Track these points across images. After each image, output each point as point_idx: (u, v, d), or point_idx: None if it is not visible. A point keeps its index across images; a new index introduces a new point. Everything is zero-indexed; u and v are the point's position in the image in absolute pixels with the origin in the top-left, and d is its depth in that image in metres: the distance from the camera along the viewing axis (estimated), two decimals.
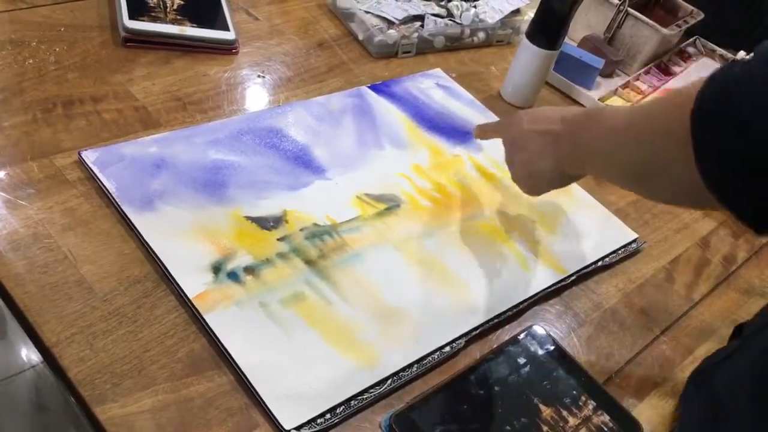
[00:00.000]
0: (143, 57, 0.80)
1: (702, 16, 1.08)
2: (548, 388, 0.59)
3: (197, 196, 0.65)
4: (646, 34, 1.02)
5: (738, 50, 1.15)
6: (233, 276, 0.59)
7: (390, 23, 0.94)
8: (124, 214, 0.62)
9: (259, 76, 0.84)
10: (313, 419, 0.52)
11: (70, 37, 0.79)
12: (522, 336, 0.63)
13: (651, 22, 1.01)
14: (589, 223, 0.78)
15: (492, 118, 0.88)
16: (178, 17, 0.83)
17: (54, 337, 0.52)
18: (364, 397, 0.55)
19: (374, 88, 0.86)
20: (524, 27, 1.03)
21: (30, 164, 0.64)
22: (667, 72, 1.07)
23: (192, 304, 0.56)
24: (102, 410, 0.49)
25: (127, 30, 0.79)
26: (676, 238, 0.82)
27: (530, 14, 1.03)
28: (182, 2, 0.86)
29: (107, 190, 0.63)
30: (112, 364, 0.52)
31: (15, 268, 0.56)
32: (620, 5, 1.02)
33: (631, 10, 1.02)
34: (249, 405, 0.53)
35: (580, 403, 0.59)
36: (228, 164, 0.69)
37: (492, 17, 1.02)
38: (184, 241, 0.61)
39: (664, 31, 1.01)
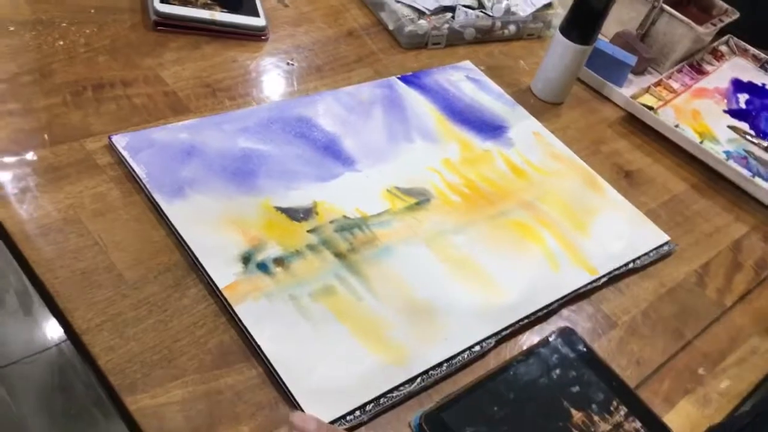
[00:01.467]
0: (173, 41, 0.79)
1: (737, 15, 1.06)
2: (579, 391, 0.58)
3: (227, 185, 0.64)
4: (680, 32, 1.00)
5: None
6: (263, 267, 0.59)
7: (421, 13, 0.93)
8: (154, 200, 0.61)
9: (288, 63, 0.83)
10: (343, 416, 0.52)
11: (101, 19, 0.78)
12: (553, 337, 0.62)
13: (685, 19, 0.99)
14: (621, 223, 0.77)
15: (521, 112, 0.87)
16: (209, 2, 0.82)
17: (84, 324, 0.52)
18: (394, 395, 0.54)
19: (404, 79, 0.85)
20: (556, 21, 1.02)
21: (60, 147, 0.64)
22: (699, 71, 1.05)
23: (222, 294, 0.56)
24: (132, 400, 0.49)
25: (158, 14, 0.78)
26: (708, 242, 0.80)
27: (561, 9, 1.02)
28: None
29: (137, 176, 0.62)
30: (142, 353, 0.52)
31: (45, 253, 0.55)
32: (654, 1, 1.00)
33: (665, 7, 1.00)
34: (278, 399, 0.52)
35: (612, 408, 0.58)
36: (258, 153, 0.68)
37: (524, 10, 1.00)
38: (213, 230, 0.60)
39: (699, 29, 0.99)
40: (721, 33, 1.09)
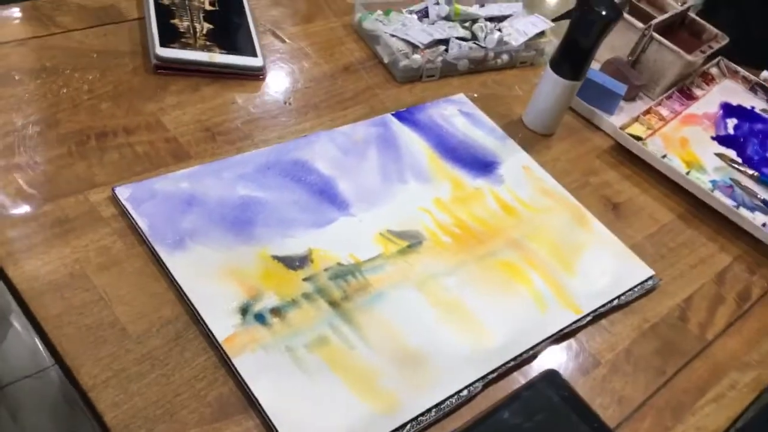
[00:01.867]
0: (173, 84, 0.82)
1: (726, 40, 1.08)
2: None
3: (226, 235, 0.67)
4: (669, 60, 1.03)
5: (761, 70, 1.16)
6: (260, 318, 0.62)
7: (415, 47, 0.95)
8: (156, 253, 0.64)
9: (286, 103, 0.85)
10: None
11: (103, 64, 0.81)
12: (536, 381, 0.65)
13: (675, 48, 1.01)
14: (607, 259, 0.79)
15: (512, 146, 0.90)
16: (208, 43, 0.85)
17: (90, 380, 0.55)
18: None
19: (398, 115, 0.87)
20: (548, 49, 1.04)
21: (66, 200, 0.66)
22: (689, 96, 1.07)
23: (221, 347, 0.59)
24: None
25: (158, 58, 0.81)
26: (692, 274, 0.83)
27: (554, 38, 1.04)
28: (212, 26, 0.88)
29: (140, 228, 0.65)
30: (146, 408, 0.55)
31: (53, 309, 0.58)
32: (645, 30, 1.02)
33: (655, 35, 1.02)
34: None
35: None
36: (255, 200, 0.71)
37: (516, 39, 1.02)
38: (213, 281, 0.63)
39: (688, 57, 1.01)
40: (714, 55, 1.11)
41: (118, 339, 0.58)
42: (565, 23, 0.87)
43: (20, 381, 1.39)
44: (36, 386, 1.38)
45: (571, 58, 0.88)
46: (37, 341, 1.42)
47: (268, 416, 0.56)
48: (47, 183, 0.67)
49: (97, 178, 0.69)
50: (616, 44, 1.07)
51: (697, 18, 1.12)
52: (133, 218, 0.66)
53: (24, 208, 0.64)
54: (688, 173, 0.92)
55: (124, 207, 0.66)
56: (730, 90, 1.12)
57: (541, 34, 1.05)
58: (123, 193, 0.67)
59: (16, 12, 0.83)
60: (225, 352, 0.59)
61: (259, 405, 0.56)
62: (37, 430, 1.32)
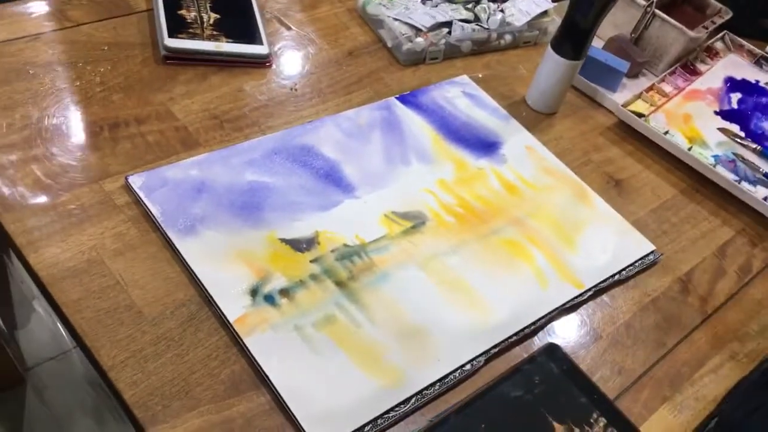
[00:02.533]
0: (182, 74, 0.84)
1: (730, 14, 1.09)
2: (562, 405, 0.64)
3: (235, 220, 0.70)
4: (672, 36, 1.03)
5: (767, 43, 1.16)
6: (269, 299, 0.64)
7: (418, 30, 0.97)
8: (169, 238, 0.67)
9: (292, 89, 0.87)
10: None
11: (114, 56, 0.83)
12: (537, 354, 0.67)
13: (678, 24, 1.02)
14: (608, 235, 0.81)
15: (515, 126, 0.91)
16: (215, 32, 0.87)
17: (109, 361, 0.58)
18: (390, 415, 0.60)
19: (402, 98, 0.89)
20: (551, 28, 1.05)
21: (82, 190, 0.69)
22: (693, 71, 1.08)
23: (233, 327, 0.62)
24: (155, 431, 0.55)
25: (167, 49, 0.83)
26: (693, 248, 0.84)
27: (557, 17, 1.05)
28: (218, 16, 0.90)
29: (152, 215, 0.68)
30: (162, 386, 0.58)
31: (72, 294, 0.61)
32: (647, 6, 1.03)
33: (657, 12, 1.03)
34: (285, 425, 0.58)
35: (592, 420, 0.63)
36: (263, 186, 0.73)
37: (519, 20, 1.03)
38: (223, 264, 0.66)
39: (691, 33, 1.02)
40: (719, 28, 1.12)
41: (135, 321, 0.61)
42: (567, 2, 0.88)
43: (44, 363, 1.43)
44: (59, 368, 1.43)
45: (571, 38, 0.89)
46: (59, 325, 1.46)
47: (278, 392, 0.59)
48: (63, 173, 0.70)
49: (110, 168, 0.72)
50: (618, 22, 1.07)
51: None
52: (146, 205, 0.68)
53: (42, 198, 0.67)
54: (690, 149, 0.93)
55: (137, 195, 0.69)
56: (735, 64, 1.12)
57: (544, 13, 1.06)
58: (136, 181, 0.70)
59: (29, 8, 0.86)
60: (236, 332, 0.61)
61: (270, 382, 0.59)
62: (63, 409, 1.37)
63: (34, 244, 0.64)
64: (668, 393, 0.70)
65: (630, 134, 0.96)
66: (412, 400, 0.62)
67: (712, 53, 1.13)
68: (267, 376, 0.59)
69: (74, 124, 0.75)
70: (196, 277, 0.64)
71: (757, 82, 1.10)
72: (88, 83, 0.79)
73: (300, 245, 0.70)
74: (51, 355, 1.44)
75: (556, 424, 0.62)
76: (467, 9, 1.02)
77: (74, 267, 0.63)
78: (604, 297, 0.76)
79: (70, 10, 0.87)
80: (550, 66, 0.91)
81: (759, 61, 1.13)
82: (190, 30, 0.86)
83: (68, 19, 0.86)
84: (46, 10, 0.86)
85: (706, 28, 1.06)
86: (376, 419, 0.59)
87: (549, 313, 0.71)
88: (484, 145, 0.87)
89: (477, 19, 1.02)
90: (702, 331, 0.76)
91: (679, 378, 0.71)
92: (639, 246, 0.81)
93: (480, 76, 0.98)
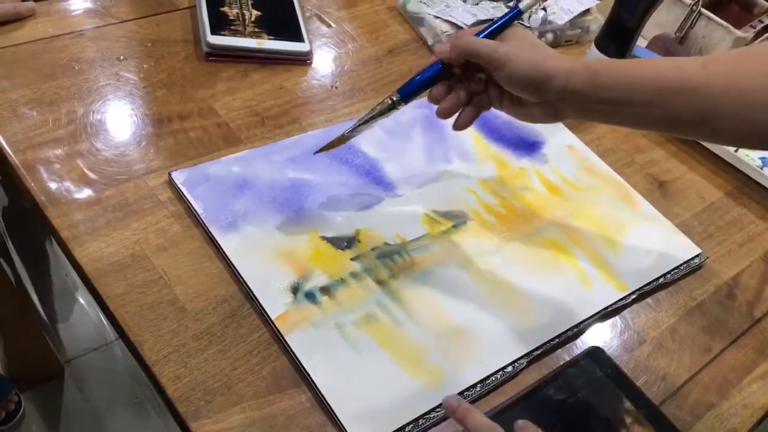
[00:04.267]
0: (224, 71, 0.84)
1: None
2: (606, 410, 0.63)
3: (276, 217, 0.69)
4: (719, 35, 1.01)
5: None
6: (310, 297, 0.64)
7: (459, 28, 0.96)
8: (211, 234, 0.67)
9: (332, 87, 0.87)
10: None
11: (157, 53, 0.84)
12: (581, 357, 0.66)
13: (724, 23, 1.00)
14: (652, 237, 0.79)
15: (557, 126, 0.90)
16: (257, 29, 0.87)
17: (153, 355, 0.58)
18: (431, 416, 0.59)
19: None
20: (594, 27, 1.04)
21: (126, 185, 0.70)
22: None
23: (274, 324, 0.62)
24: (197, 426, 0.55)
25: (209, 45, 0.84)
26: (740, 252, 0.83)
27: (600, 15, 1.03)
28: (260, 13, 0.90)
29: (195, 210, 0.68)
30: (205, 381, 0.58)
31: (116, 288, 0.62)
32: (693, 5, 1.01)
33: (704, 10, 1.01)
34: (326, 422, 0.58)
35: (637, 427, 0.62)
36: (305, 183, 0.73)
37: (561, 18, 1.02)
38: (265, 261, 0.66)
39: (738, 32, 0.99)
40: (766, 27, 1.09)
41: (178, 316, 0.61)
42: (611, 0, 0.87)
43: (86, 354, 1.45)
44: (101, 360, 1.44)
45: (616, 36, 0.88)
46: (102, 316, 1.48)
47: (319, 390, 0.58)
48: (108, 168, 0.71)
49: (154, 164, 0.72)
50: (663, 21, 1.05)
51: None
52: (188, 201, 0.69)
53: (87, 193, 0.68)
54: (736, 150, 0.91)
55: (180, 191, 0.69)
56: None
57: (587, 12, 1.04)
58: (179, 177, 0.70)
59: (73, 4, 0.87)
60: (278, 329, 0.61)
61: (311, 379, 0.59)
62: (103, 402, 1.39)
63: (78, 238, 0.64)
64: (715, 400, 0.68)
65: (674, 135, 0.94)
66: None
67: None
68: (308, 374, 0.59)
69: (118, 120, 0.75)
70: (238, 273, 0.64)
71: None
72: (132, 79, 0.80)
73: (341, 243, 0.69)
74: (93, 346, 1.46)
75: (600, 430, 0.61)
76: (508, 7, 1.01)
77: (118, 261, 0.64)
78: (649, 300, 0.75)
79: (113, 7, 0.88)
80: None
81: None
82: (233, 27, 0.86)
83: (112, 16, 0.87)
84: (90, 7, 0.87)
85: (754, 27, 1.03)
86: (417, 419, 0.59)
87: (592, 315, 0.70)
88: (526, 145, 0.86)
89: None
90: (749, 336, 0.75)
91: (726, 385, 0.70)
92: (684, 249, 0.80)
93: None
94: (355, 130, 0.66)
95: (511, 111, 0.64)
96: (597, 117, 0.62)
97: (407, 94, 0.64)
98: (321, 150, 0.68)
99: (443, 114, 0.64)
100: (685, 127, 0.58)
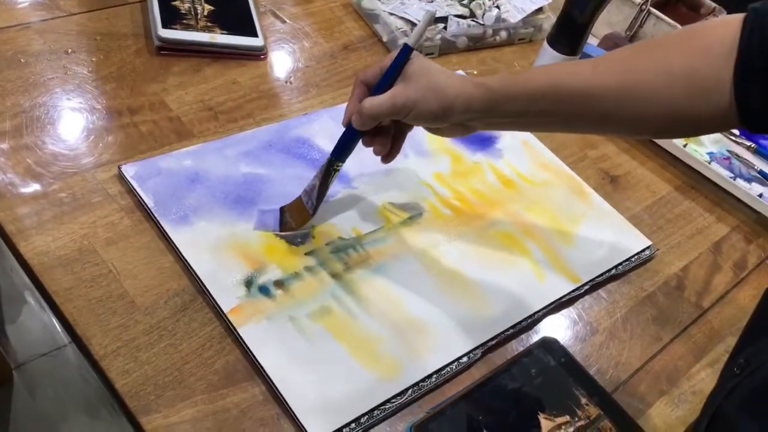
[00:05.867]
0: (176, 65, 0.83)
1: (724, 14, 1.09)
2: (559, 398, 0.63)
3: (229, 212, 0.69)
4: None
5: None
6: (264, 290, 0.64)
7: (413, 25, 0.96)
8: (162, 228, 0.66)
9: (287, 82, 0.87)
10: (339, 429, 0.57)
11: (106, 46, 0.82)
12: (534, 347, 0.67)
13: (672, 21, 1.02)
14: (604, 230, 0.81)
15: None
16: (209, 24, 0.86)
17: (101, 350, 0.57)
18: (387, 407, 0.59)
19: None
20: (546, 25, 1.05)
21: (74, 178, 0.68)
22: None
23: (227, 318, 0.61)
24: (147, 420, 0.54)
25: (160, 39, 0.82)
26: (688, 244, 0.84)
27: (552, 13, 1.05)
28: (213, 8, 0.89)
29: (146, 204, 0.67)
30: (155, 376, 0.57)
31: (64, 282, 0.60)
32: (642, 4, 1.03)
33: (652, 10, 1.03)
34: (280, 415, 0.57)
35: (589, 413, 0.63)
36: (258, 178, 0.73)
37: (514, 16, 1.03)
38: (218, 255, 0.65)
39: None
40: None
41: (127, 311, 0.60)
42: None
43: (37, 359, 1.41)
44: (52, 364, 1.41)
45: (568, 34, 0.89)
46: (54, 319, 1.44)
47: (273, 383, 0.58)
48: (55, 162, 0.69)
49: (103, 157, 0.71)
50: (613, 20, 1.07)
51: None
52: (139, 195, 0.67)
53: (33, 187, 0.66)
54: (685, 146, 0.93)
55: (130, 184, 0.68)
56: None
57: (539, 10, 1.06)
58: (129, 170, 0.69)
59: None
60: (231, 323, 0.60)
61: (265, 372, 0.58)
62: (54, 407, 1.35)
63: (24, 232, 0.63)
64: (665, 387, 0.69)
65: (586, 134, 0.96)
66: (409, 392, 0.61)
67: None
68: (262, 367, 0.58)
69: (66, 114, 0.74)
70: (190, 267, 0.63)
71: None
72: (81, 73, 0.78)
73: (295, 239, 0.69)
74: (43, 351, 1.42)
75: (553, 417, 0.62)
76: (463, 5, 1.02)
77: (65, 256, 0.62)
78: (601, 291, 0.76)
79: (61, 0, 0.86)
80: (546, 61, 0.91)
81: None
82: (184, 21, 0.85)
83: (60, 9, 0.85)
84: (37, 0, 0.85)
85: None
86: (372, 410, 0.59)
87: (546, 306, 0.71)
88: (481, 140, 0.87)
89: (472, 15, 1.01)
90: (697, 326, 0.76)
91: (676, 372, 0.71)
92: (635, 241, 0.81)
93: (475, 72, 0.98)
94: (315, 207, 0.69)
95: (427, 130, 0.66)
96: (504, 127, 0.67)
97: (339, 154, 0.67)
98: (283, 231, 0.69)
99: (380, 154, 0.68)
100: (585, 125, 0.62)
